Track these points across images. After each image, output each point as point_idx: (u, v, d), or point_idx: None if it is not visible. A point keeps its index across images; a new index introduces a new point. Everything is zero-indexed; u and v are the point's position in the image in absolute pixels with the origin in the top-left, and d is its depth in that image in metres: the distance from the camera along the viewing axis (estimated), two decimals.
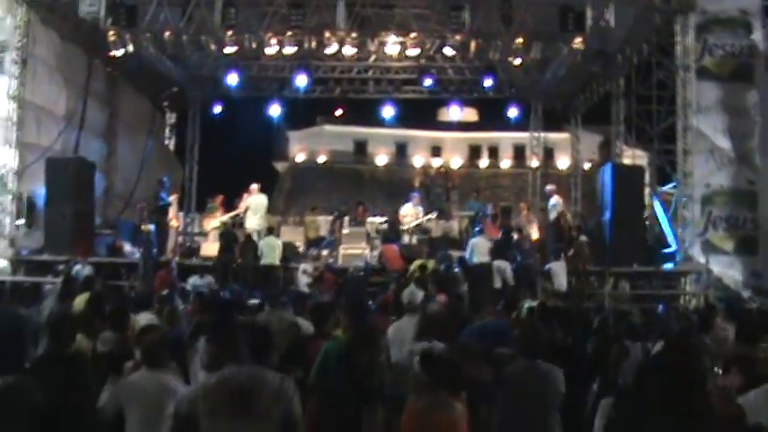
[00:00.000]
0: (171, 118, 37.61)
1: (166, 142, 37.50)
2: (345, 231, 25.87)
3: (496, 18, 23.67)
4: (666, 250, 25.72)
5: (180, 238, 28.04)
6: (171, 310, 12.07)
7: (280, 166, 69.21)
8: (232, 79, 28.68)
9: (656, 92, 27.30)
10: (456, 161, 68.52)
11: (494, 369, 7.53)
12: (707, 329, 10.96)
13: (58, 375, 6.69)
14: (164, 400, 6.94)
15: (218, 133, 38.91)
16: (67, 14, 24.93)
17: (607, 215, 23.55)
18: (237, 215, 25.49)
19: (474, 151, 70.79)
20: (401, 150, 70.95)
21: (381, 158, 70.32)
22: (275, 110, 34.37)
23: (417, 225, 25.51)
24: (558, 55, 25.97)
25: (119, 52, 24.28)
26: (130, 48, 24.28)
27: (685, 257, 23.62)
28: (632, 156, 31.13)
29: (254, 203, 25.31)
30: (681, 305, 21.48)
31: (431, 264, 21.12)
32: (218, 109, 34.08)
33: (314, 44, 24.66)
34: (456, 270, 20.85)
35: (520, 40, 23.91)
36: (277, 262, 22.83)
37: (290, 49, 24.53)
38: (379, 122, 43.82)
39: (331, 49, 24.61)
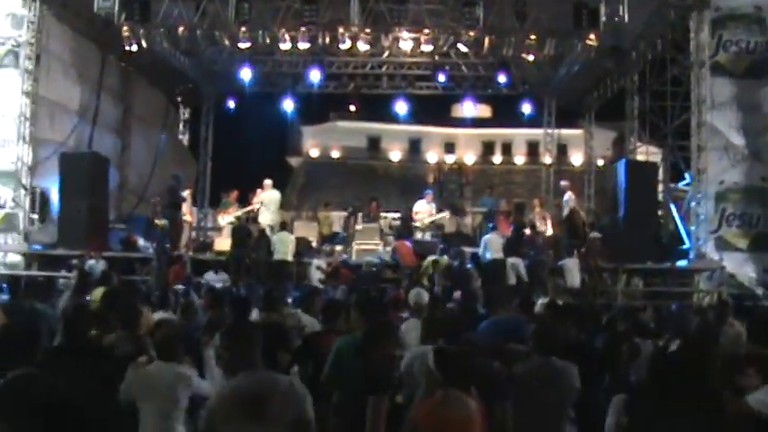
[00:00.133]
0: (185, 113, 37.75)
1: (180, 137, 37.62)
2: (359, 227, 25.93)
3: (510, 14, 23.63)
4: (681, 247, 25.66)
5: (193, 234, 28.07)
6: (187, 304, 12.09)
7: (293, 162, 69.19)
8: (246, 74, 28.73)
9: (670, 88, 27.16)
10: (469, 157, 68.32)
11: (505, 365, 7.50)
12: (720, 327, 10.91)
13: (70, 368, 6.71)
14: (178, 391, 6.98)
15: (231, 128, 38.94)
16: (81, 10, 25.00)
17: (621, 212, 23.52)
18: (251, 211, 25.51)
19: (487, 147, 70.63)
20: (415, 146, 70.83)
21: (395, 154, 70.20)
22: (289, 105, 34.40)
23: (431, 222, 25.53)
24: (572, 51, 25.91)
25: (132, 47, 24.29)
26: (144, 43, 24.33)
27: (699, 255, 23.55)
28: (646, 152, 31.00)
29: (268, 199, 25.33)
30: (694, 303, 21.43)
31: (444, 260, 21.16)
32: (231, 104, 34.12)
33: (327, 40, 24.67)
34: (469, 266, 20.85)
35: (533, 36, 23.89)
36: (290, 257, 22.79)
37: (303, 45, 24.52)
38: (393, 118, 43.87)
39: (344, 44, 24.60)
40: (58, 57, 25.59)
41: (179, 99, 36.27)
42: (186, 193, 25.42)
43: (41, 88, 24.56)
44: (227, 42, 24.89)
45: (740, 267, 22.92)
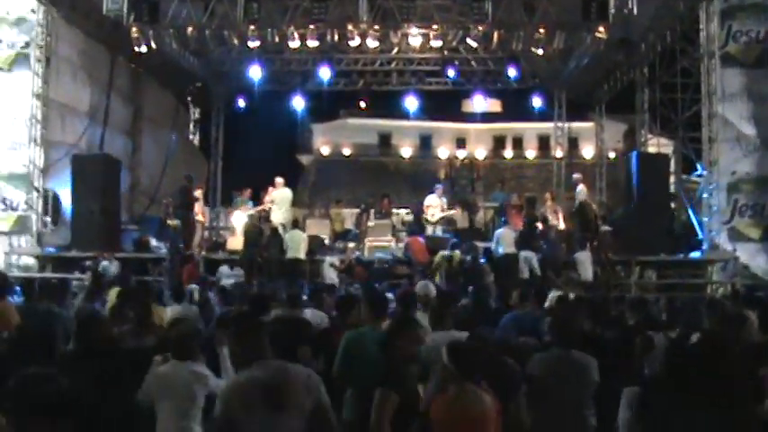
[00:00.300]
0: (195, 113, 37.86)
1: (191, 137, 37.69)
2: (371, 224, 25.96)
3: (519, 8, 23.64)
4: (694, 238, 25.59)
5: (206, 233, 28.12)
6: (203, 302, 12.14)
7: (304, 160, 69.19)
8: (255, 73, 28.77)
9: (680, 79, 27.11)
10: (480, 152, 68.12)
11: (515, 360, 7.50)
12: (741, 319, 10.87)
13: (86, 370, 6.74)
14: (195, 390, 7.01)
15: (242, 127, 39.05)
16: (90, 12, 25.08)
17: (633, 204, 23.50)
18: (264, 210, 25.53)
19: (498, 142, 70.49)
20: (425, 142, 70.70)
21: (406, 150, 70.11)
22: (299, 103, 34.52)
23: (441, 218, 25.53)
24: (582, 44, 25.85)
25: (142, 49, 24.31)
26: (153, 44, 24.37)
27: (712, 246, 23.49)
28: (657, 144, 31.00)
29: (279, 197, 25.32)
30: (707, 294, 21.40)
31: (456, 255, 21.16)
32: (241, 103, 34.17)
33: (337, 37, 24.64)
34: (482, 261, 20.84)
35: (542, 29, 23.82)
36: (302, 255, 22.77)
37: (312, 43, 24.50)
38: (403, 115, 43.88)
39: (354, 41, 24.57)
40: (68, 59, 25.68)
41: (189, 99, 36.37)
42: (198, 193, 25.44)
43: (52, 91, 24.66)
44: (236, 42, 24.86)
45: (753, 258, 22.85)
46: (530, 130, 65.28)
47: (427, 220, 25.30)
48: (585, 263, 21.18)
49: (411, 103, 34.21)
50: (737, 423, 4.83)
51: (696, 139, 25.60)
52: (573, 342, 7.62)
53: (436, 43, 25.35)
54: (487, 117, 60.61)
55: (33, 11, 24.18)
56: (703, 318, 9.78)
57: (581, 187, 25.00)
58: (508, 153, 69.94)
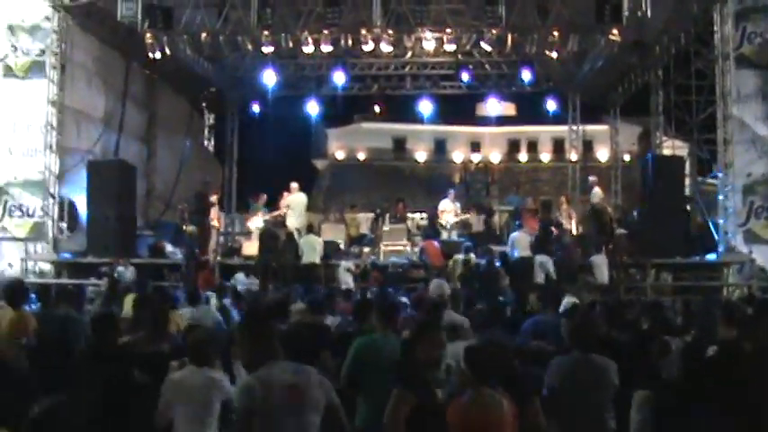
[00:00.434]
0: (209, 119, 37.88)
1: (205, 143, 37.74)
2: (386, 228, 25.95)
3: (532, 11, 23.66)
4: (710, 241, 25.51)
5: (221, 239, 28.17)
6: (220, 308, 12.17)
7: (319, 164, 69.30)
8: (269, 78, 28.73)
9: (694, 81, 27.09)
10: (495, 156, 68.19)
11: (533, 364, 7.51)
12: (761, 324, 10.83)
13: (101, 375, 6.77)
14: (211, 396, 7.01)
15: (256, 133, 39.03)
16: (105, 19, 25.14)
17: (648, 207, 23.46)
18: (279, 215, 25.54)
19: (513, 146, 70.44)
20: (440, 146, 70.74)
21: (420, 155, 70.19)
22: (313, 108, 34.57)
23: (456, 223, 25.54)
24: (595, 47, 25.83)
25: (156, 55, 24.37)
26: (167, 50, 24.43)
27: (728, 248, 23.41)
28: (672, 146, 30.91)
29: (294, 202, 25.35)
30: (723, 296, 21.31)
31: (471, 258, 21.18)
32: (256, 108, 34.25)
33: (350, 42, 24.68)
34: (497, 265, 20.84)
35: (556, 32, 23.80)
36: (317, 260, 22.82)
37: (326, 48, 24.49)
38: (418, 119, 43.90)
39: (367, 46, 24.58)
40: (83, 66, 25.75)
41: (203, 105, 36.38)
42: (214, 198, 25.48)
43: (67, 97, 24.74)
44: (249, 47, 24.90)
45: None
46: (544, 133, 65.18)
47: (441, 225, 25.32)
48: (602, 266, 21.16)
49: (425, 107, 34.23)
50: (751, 428, 4.83)
51: (711, 141, 25.52)
52: (592, 346, 7.63)
53: (450, 47, 25.33)
54: (502, 120, 60.67)
55: (48, 18, 24.30)
56: (718, 321, 9.74)
57: (596, 190, 24.99)
58: (523, 156, 69.90)
